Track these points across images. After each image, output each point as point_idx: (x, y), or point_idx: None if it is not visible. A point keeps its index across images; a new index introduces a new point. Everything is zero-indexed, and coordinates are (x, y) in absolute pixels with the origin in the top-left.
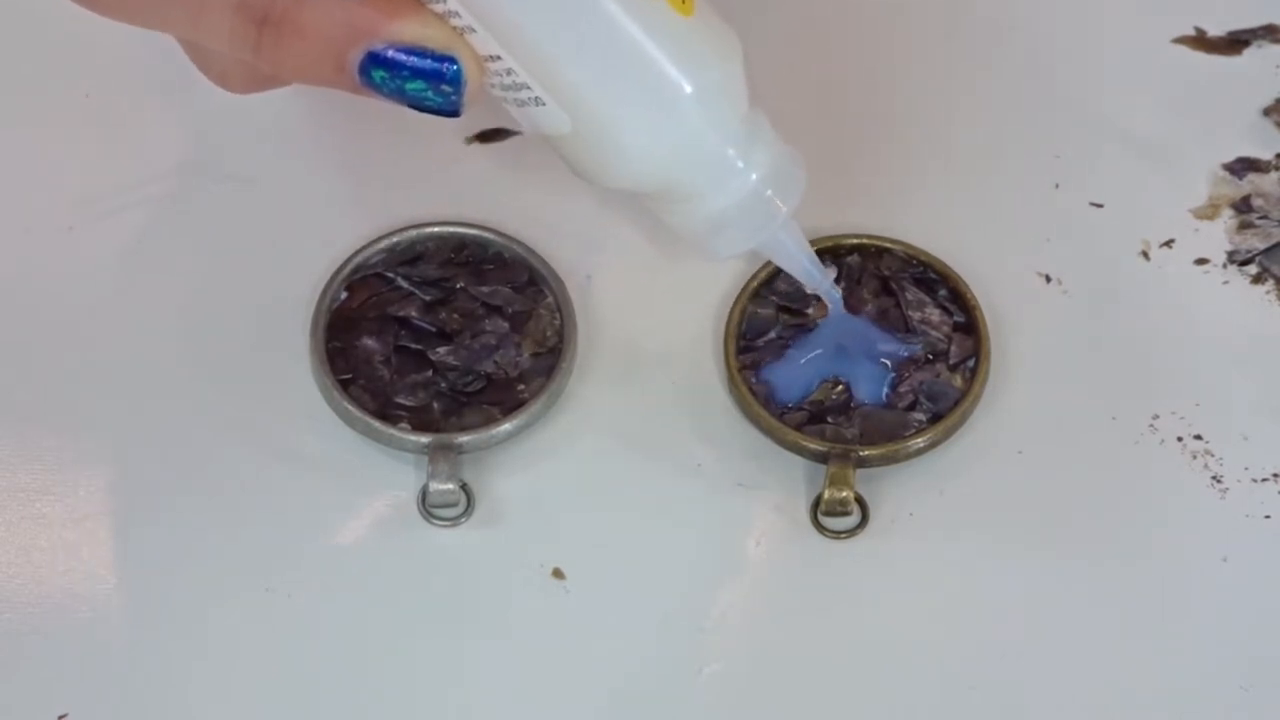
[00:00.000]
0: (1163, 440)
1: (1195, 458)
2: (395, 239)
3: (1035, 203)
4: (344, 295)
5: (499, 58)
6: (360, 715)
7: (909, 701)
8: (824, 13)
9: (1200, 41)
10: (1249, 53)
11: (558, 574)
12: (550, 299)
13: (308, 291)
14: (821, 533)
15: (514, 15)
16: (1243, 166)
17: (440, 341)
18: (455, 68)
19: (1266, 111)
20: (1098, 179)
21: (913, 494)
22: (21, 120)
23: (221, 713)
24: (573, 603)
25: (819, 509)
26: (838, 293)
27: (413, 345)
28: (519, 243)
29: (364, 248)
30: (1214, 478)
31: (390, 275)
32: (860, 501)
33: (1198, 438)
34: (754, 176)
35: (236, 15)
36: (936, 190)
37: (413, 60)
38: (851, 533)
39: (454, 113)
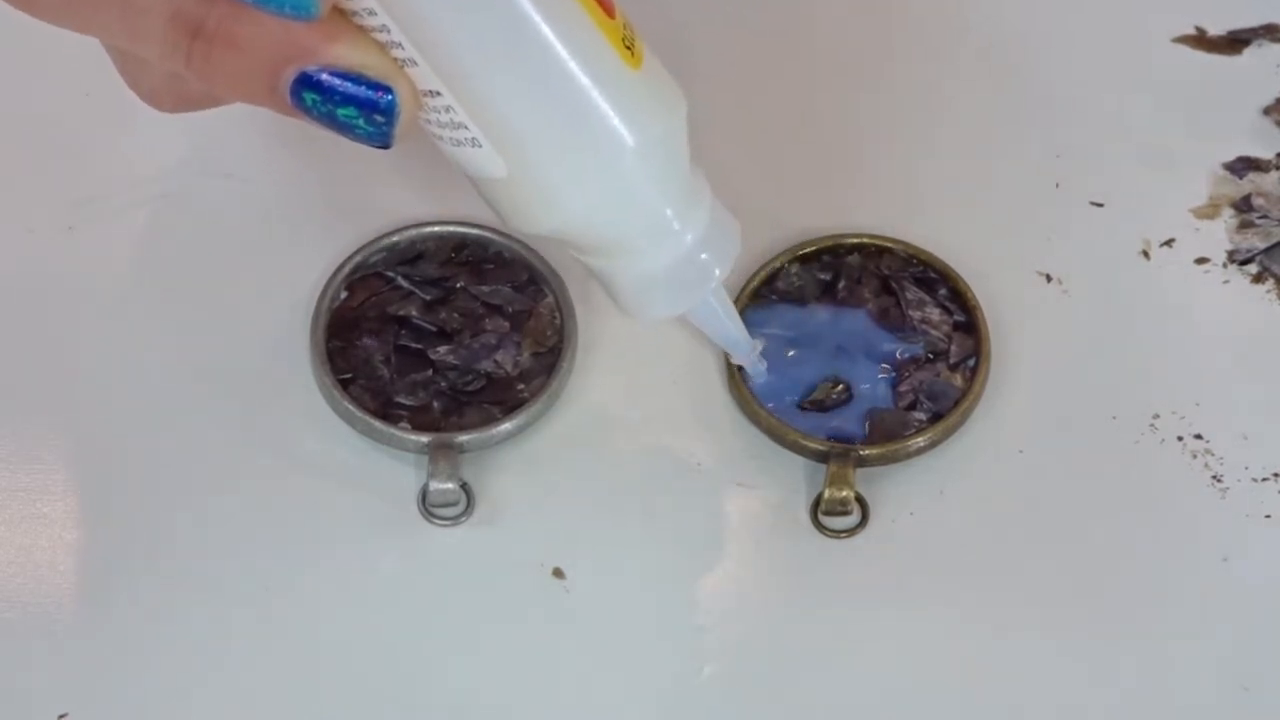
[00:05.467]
0: (1163, 440)
1: (1195, 458)
2: (395, 238)
3: (1035, 203)
4: (344, 295)
5: (438, 94)
6: (360, 714)
7: (909, 701)
8: (824, 11)
9: (1200, 41)
10: (1249, 52)
11: (558, 574)
12: (550, 298)
13: (308, 291)
14: (821, 532)
15: (460, 53)
16: (1243, 166)
17: (440, 341)
18: (390, 98)
19: (1266, 111)
20: (1098, 179)
21: (913, 494)
22: (21, 120)
23: (221, 712)
24: (573, 603)
25: (819, 509)
26: (763, 365)
27: (413, 345)
28: (519, 242)
29: (364, 247)
30: (1214, 478)
31: (390, 275)
32: (860, 501)
33: (1198, 437)
34: (689, 238)
35: (170, 24)
36: (936, 190)
37: (347, 86)
38: (851, 533)
39: (384, 144)
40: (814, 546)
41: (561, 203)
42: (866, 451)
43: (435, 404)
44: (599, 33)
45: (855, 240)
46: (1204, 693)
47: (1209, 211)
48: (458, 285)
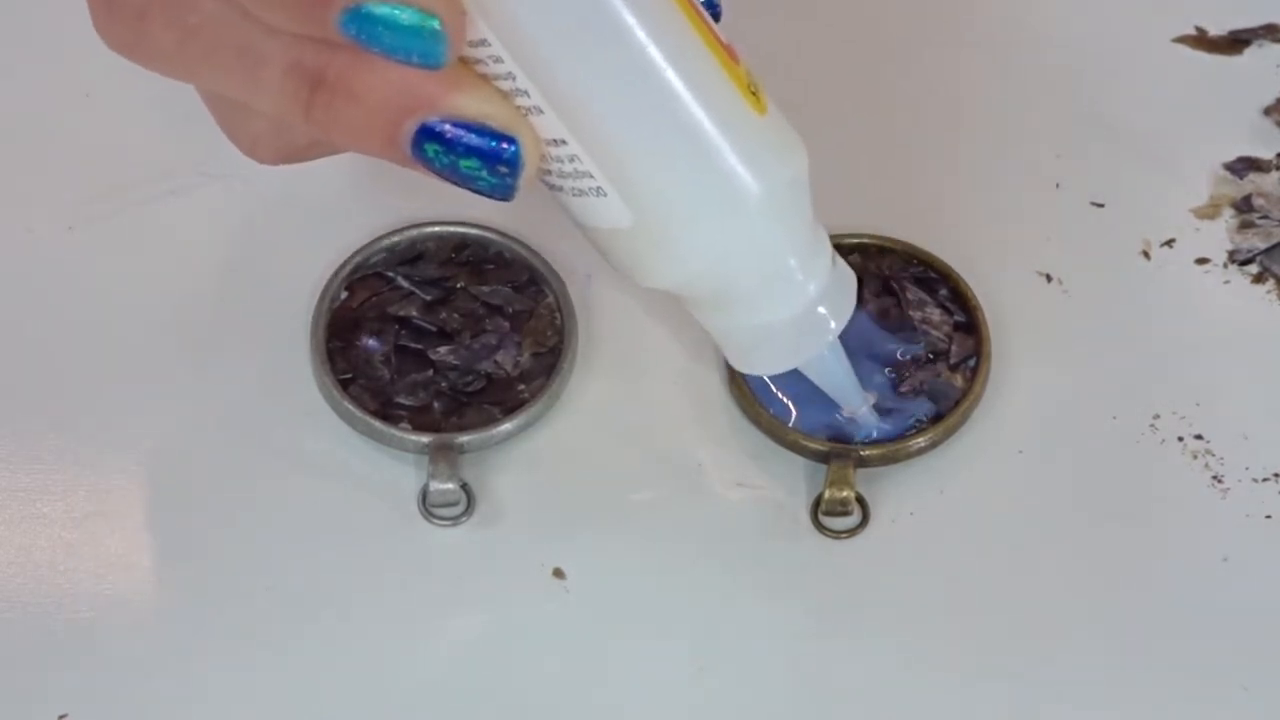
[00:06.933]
0: (1163, 440)
1: (1195, 458)
2: (395, 239)
3: (1035, 203)
4: (344, 295)
5: (564, 142)
6: (359, 714)
7: (909, 701)
8: (824, 11)
9: (1200, 41)
10: (1249, 52)
11: (558, 574)
12: (550, 299)
13: (308, 291)
14: (821, 533)
15: (590, 100)
16: (1243, 166)
17: (441, 341)
18: (514, 149)
19: (1267, 111)
20: (1098, 179)
21: (913, 494)
22: (21, 120)
23: (221, 712)
24: (573, 603)
25: (819, 509)
26: (875, 418)
27: (413, 345)
28: (519, 242)
29: (364, 248)
30: (1214, 478)
31: (390, 275)
32: (860, 501)
33: (1198, 437)
34: (811, 288)
35: (290, 75)
36: (936, 190)
37: (470, 137)
38: (851, 533)
39: (506, 196)
40: (814, 546)
41: (688, 252)
42: (866, 451)
43: (435, 404)
44: (727, 79)
45: (855, 240)
46: (1204, 693)
47: (1209, 211)
48: (458, 285)
